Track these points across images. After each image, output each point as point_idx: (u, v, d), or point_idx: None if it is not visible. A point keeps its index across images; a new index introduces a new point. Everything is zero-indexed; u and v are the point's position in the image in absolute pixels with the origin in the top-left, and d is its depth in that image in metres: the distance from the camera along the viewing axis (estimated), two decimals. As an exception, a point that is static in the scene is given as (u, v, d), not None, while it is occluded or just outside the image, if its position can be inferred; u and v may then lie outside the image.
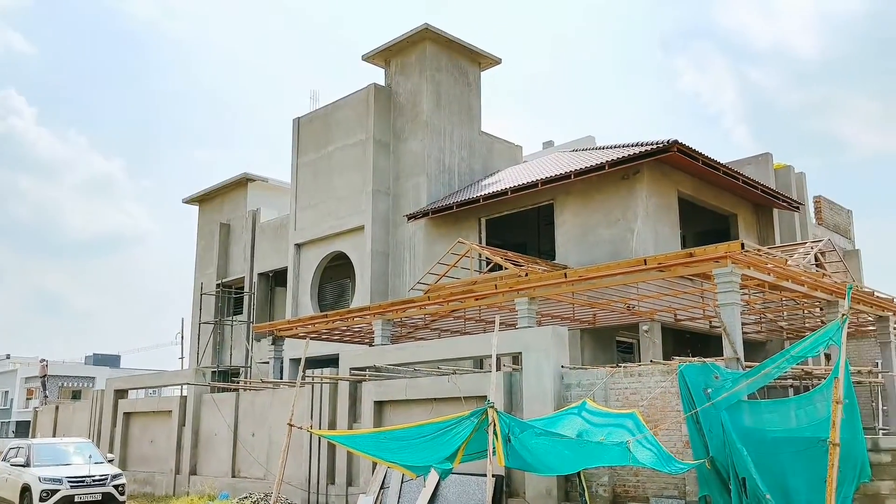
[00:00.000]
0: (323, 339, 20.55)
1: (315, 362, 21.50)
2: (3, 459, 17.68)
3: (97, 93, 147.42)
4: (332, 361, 19.07)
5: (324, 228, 24.72)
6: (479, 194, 20.82)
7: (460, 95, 24.70)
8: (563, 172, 18.76)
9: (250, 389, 20.20)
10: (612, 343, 19.76)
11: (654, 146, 17.35)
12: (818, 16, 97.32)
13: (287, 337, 20.64)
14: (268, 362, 22.19)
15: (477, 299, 15.27)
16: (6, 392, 68.65)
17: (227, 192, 31.96)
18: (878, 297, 15.36)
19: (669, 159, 17.75)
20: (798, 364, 12.12)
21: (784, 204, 21.27)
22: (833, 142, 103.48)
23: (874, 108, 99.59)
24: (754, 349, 19.27)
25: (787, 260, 13.22)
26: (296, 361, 22.82)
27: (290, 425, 11.02)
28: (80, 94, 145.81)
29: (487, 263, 19.11)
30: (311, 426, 16.57)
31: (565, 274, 13.64)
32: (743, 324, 17.83)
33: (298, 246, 25.75)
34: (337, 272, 26.17)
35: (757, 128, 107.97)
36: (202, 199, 33.25)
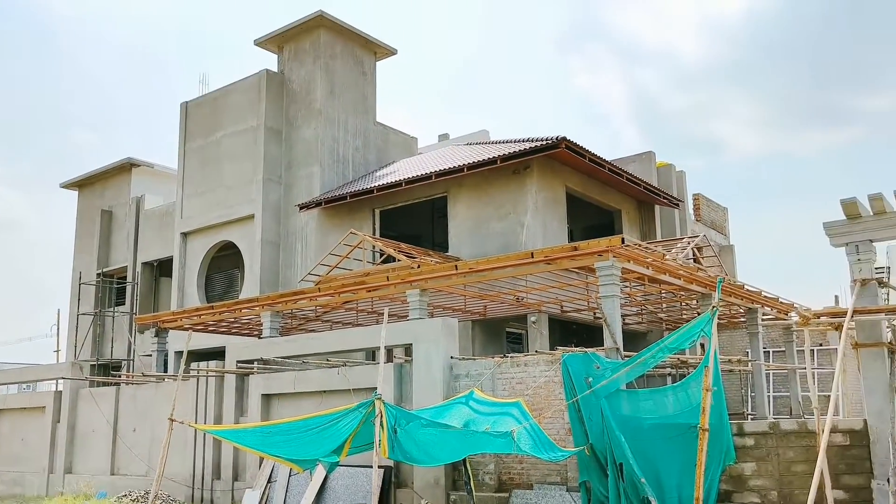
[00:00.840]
0: (210, 332, 19.96)
1: (202, 355, 20.84)
2: None
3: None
4: (219, 354, 18.54)
5: (212, 217, 23.98)
6: (373, 185, 20.73)
7: (355, 84, 24.48)
8: (457, 165, 18.94)
9: (132, 383, 19.41)
10: (502, 334, 20.15)
11: (544, 142, 17.77)
12: (702, 20, 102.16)
13: (172, 329, 19.93)
14: (151, 355, 21.34)
15: (369, 291, 15.21)
16: None
17: (110, 177, 30.44)
18: (748, 290, 16.31)
19: (558, 155, 18.23)
20: (675, 354, 12.76)
21: (665, 201, 22.26)
22: (713, 143, 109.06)
23: (752, 111, 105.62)
24: (636, 339, 20.12)
25: (665, 254, 13.83)
26: (181, 354, 22.05)
27: (172, 420, 10.68)
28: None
29: (381, 255, 19.07)
30: (196, 421, 16.13)
31: (456, 266, 13.79)
32: (624, 315, 18.62)
33: (185, 235, 24.88)
34: (225, 262, 25.45)
35: (644, 128, 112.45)
36: (82, 184, 31.53)
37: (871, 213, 9.81)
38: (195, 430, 15.82)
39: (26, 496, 19.20)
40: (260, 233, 22.59)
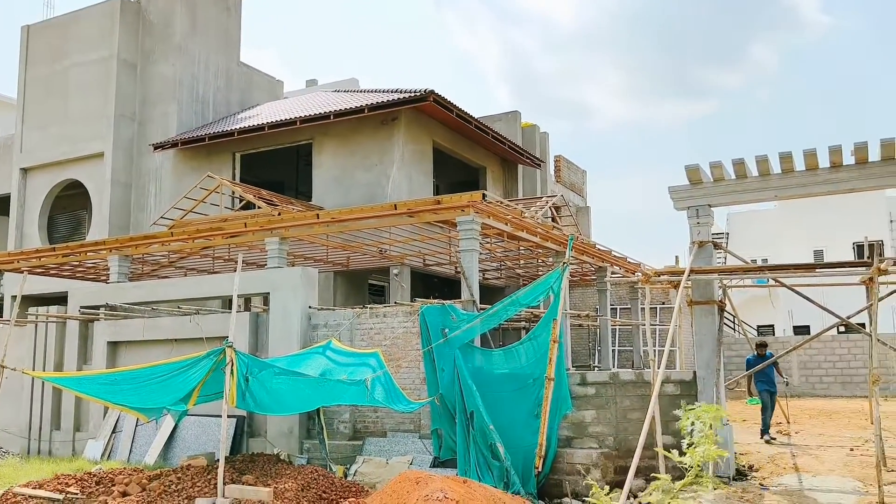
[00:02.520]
0: (52, 275, 18.67)
1: (43, 300, 19.53)
2: None
3: None
4: (62, 300, 17.47)
5: (56, 153, 22.27)
6: (234, 127, 19.93)
7: (218, 20, 23.27)
8: (323, 112, 18.53)
9: (-40, 329, 17.92)
10: (365, 286, 20.15)
11: (412, 94, 17.69)
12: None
13: (7, 271, 18.49)
14: (-17, 299, 19.80)
15: (226, 237, 14.70)
16: None
17: (-63, 102, 27.60)
18: (598, 248, 17.12)
19: (426, 109, 18.22)
20: (528, 308, 13.25)
21: (527, 160, 22.83)
22: (581, 107, 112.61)
23: (618, 79, 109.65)
24: (494, 294, 20.70)
25: (523, 212, 14.23)
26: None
27: (3, 367, 9.96)
28: None
29: (240, 201, 18.46)
30: (34, 368, 15.20)
31: (318, 215, 13.57)
32: (484, 270, 19.09)
33: (25, 170, 23.00)
34: (71, 202, 23.79)
35: (516, 88, 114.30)
36: None
37: (712, 180, 10.48)
38: (32, 379, 14.90)
39: None
40: (110, 172, 21.24)
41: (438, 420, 11.18)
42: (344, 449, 11.94)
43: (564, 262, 10.10)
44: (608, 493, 10.06)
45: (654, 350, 10.98)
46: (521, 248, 16.34)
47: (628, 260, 18.60)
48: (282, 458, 11.33)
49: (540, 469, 10.25)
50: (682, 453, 8.79)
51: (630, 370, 13.62)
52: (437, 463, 11.04)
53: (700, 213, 10.59)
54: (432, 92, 17.28)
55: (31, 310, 15.91)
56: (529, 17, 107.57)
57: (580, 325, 21.01)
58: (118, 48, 21.70)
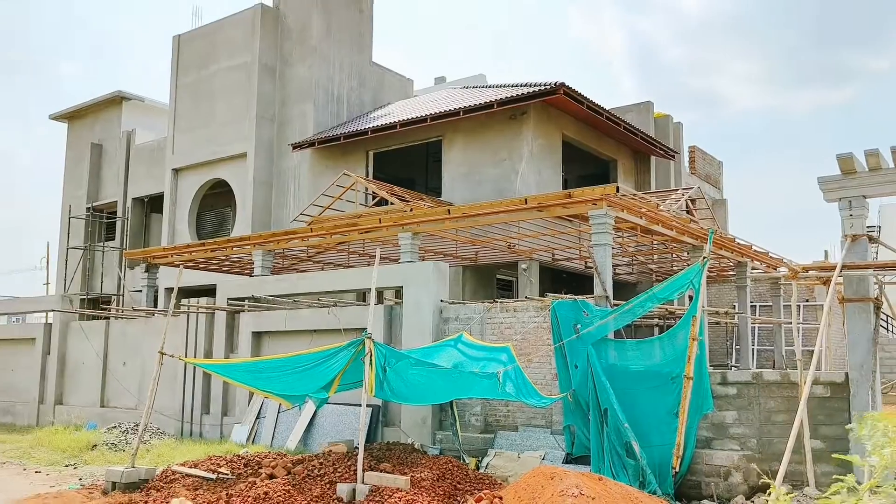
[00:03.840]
0: (201, 269, 19.97)
1: (192, 292, 20.89)
2: None
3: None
4: (209, 292, 18.59)
5: (204, 154, 23.74)
6: (367, 126, 20.51)
7: (352, 22, 24.01)
8: (453, 109, 18.74)
9: (122, 318, 19.46)
10: (493, 281, 20.24)
11: (542, 88, 17.57)
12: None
13: (162, 265, 19.91)
14: (140, 290, 21.36)
15: (361, 233, 15.18)
16: None
17: (100, 110, 29.97)
18: (738, 243, 16.37)
19: (556, 102, 18.05)
20: (663, 304, 12.87)
21: (661, 152, 22.16)
22: (711, 96, 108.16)
23: (751, 66, 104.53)
24: (625, 290, 20.25)
25: (658, 205, 13.82)
26: (171, 290, 22.06)
27: (162, 353, 10.74)
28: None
29: (373, 197, 18.99)
30: (186, 356, 16.24)
31: (449, 210, 13.75)
32: (615, 265, 18.70)
33: (176, 171, 24.66)
34: (217, 200, 25.31)
35: (642, 78, 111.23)
36: (71, 117, 31.06)
37: (867, 169, 9.79)
38: (185, 365, 15.95)
39: (17, 425, 19.41)
40: (252, 171, 22.42)
41: (571, 416, 11.07)
42: (475, 441, 12.05)
43: (704, 257, 9.74)
44: (749, 499, 9.65)
45: (800, 350, 10.38)
46: (655, 242, 15.90)
47: (770, 255, 17.70)
48: (416, 447, 11.57)
49: (677, 469, 9.95)
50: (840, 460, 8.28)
51: (773, 370, 12.95)
52: (569, 459, 10.93)
53: (853, 205, 9.91)
54: (563, 84, 17.10)
55: (183, 302, 17.01)
56: (656, 6, 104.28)
57: (716, 323, 20.20)
58: (259, 53, 22.82)
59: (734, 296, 19.39)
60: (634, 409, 10.42)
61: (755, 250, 16.99)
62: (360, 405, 9.28)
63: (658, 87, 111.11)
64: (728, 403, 10.46)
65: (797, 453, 9.17)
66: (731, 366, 21.19)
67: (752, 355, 19.59)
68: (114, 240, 28.19)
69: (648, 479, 9.81)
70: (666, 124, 23.98)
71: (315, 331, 14.22)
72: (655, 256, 18.51)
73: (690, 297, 16.37)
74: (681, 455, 9.94)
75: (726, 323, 19.95)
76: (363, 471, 8.97)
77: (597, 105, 18.59)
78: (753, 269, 17.76)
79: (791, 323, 14.88)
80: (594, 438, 10.56)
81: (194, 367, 15.94)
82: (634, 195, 13.15)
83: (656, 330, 18.73)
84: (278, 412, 14.26)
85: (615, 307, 11.17)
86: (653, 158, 22.86)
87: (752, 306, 20.25)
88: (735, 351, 21.74)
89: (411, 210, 15.04)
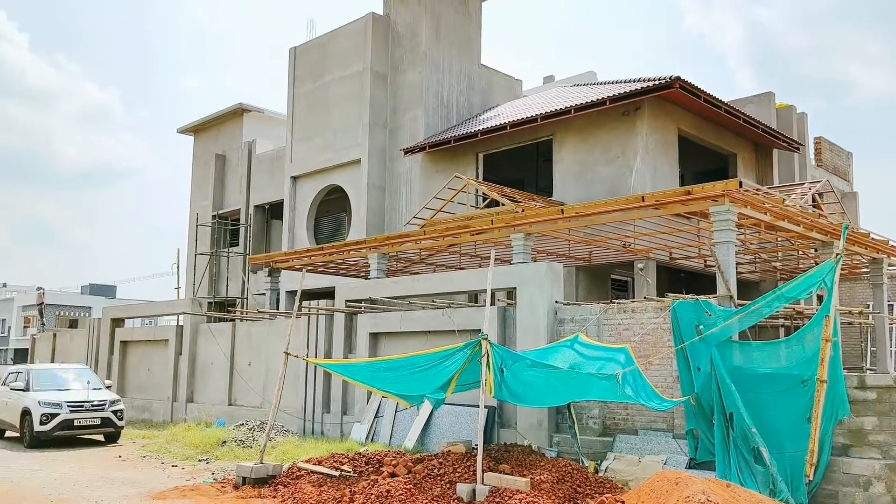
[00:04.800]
0: (319, 272, 20.63)
1: (311, 294, 21.62)
2: (3, 384, 17.85)
3: (90, 20, 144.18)
4: (327, 294, 19.19)
5: (320, 161, 24.53)
6: (477, 129, 20.60)
7: (460, 27, 24.20)
8: (563, 107, 18.53)
9: (247, 320, 20.37)
10: (607, 281, 19.86)
11: (656, 82, 17.10)
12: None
13: (283, 269, 20.71)
14: (264, 294, 22.33)
15: (473, 234, 15.26)
16: (3, 320, 69.04)
17: (223, 122, 31.57)
18: (873, 239, 15.39)
19: (671, 96, 17.53)
20: (790, 304, 12.24)
21: (784, 144, 21.11)
22: (837, 84, 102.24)
23: (881, 50, 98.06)
24: (747, 289, 19.41)
25: (784, 200, 13.17)
26: (292, 293, 22.94)
27: (287, 354, 11.15)
28: (72, 21, 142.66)
29: (484, 199, 19.04)
30: (307, 356, 16.81)
31: (562, 210, 13.60)
32: (737, 263, 17.92)
33: (294, 178, 25.59)
34: (333, 205, 26.09)
35: (761, 69, 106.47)
36: (197, 130, 32.87)
37: None
38: (307, 365, 16.50)
39: (153, 422, 20.67)
40: (366, 177, 22.97)
41: (694, 420, 10.70)
42: (593, 444, 11.86)
43: (838, 254, 9.19)
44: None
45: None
46: (780, 239, 15.16)
47: (909, 250, 16.52)
48: (534, 450, 11.50)
49: (811, 478, 9.43)
50: None
51: (916, 374, 12.09)
52: (692, 464, 10.57)
53: None
54: (678, 78, 16.58)
55: (304, 304, 17.60)
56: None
57: (849, 324, 19.03)
58: (371, 61, 23.36)
59: (868, 294, 18.22)
60: (762, 414, 9.96)
61: (892, 246, 15.91)
62: (475, 406, 9.32)
63: (777, 77, 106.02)
64: (867, 409, 9.82)
65: (948, 463, 8.50)
66: (867, 369, 19.90)
67: (890, 357, 18.34)
68: (238, 245, 29.60)
69: (779, 487, 9.35)
70: (789, 115, 22.83)
71: (429, 332, 14.41)
72: (780, 254, 17.64)
73: (820, 297, 15.55)
74: (815, 463, 9.41)
75: (860, 323, 18.78)
76: (483, 471, 8.99)
77: (714, 98, 17.91)
78: (890, 265, 16.63)
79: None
80: (719, 443, 10.16)
81: (315, 367, 16.48)
82: (758, 190, 12.59)
83: (782, 331, 17.83)
84: (395, 411, 14.52)
85: (740, 307, 10.72)
86: (775, 152, 21.81)
87: (889, 305, 18.96)
88: (870, 353, 20.42)
89: (523, 211, 14.98)
